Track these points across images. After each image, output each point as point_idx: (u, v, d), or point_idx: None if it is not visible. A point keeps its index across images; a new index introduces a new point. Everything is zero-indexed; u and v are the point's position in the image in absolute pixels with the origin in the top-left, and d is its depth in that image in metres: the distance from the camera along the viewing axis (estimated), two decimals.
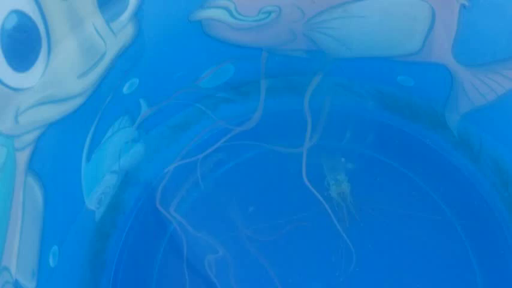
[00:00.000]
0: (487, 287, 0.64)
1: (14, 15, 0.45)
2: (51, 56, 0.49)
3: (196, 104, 0.71)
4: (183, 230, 0.68)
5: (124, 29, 0.55)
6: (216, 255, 0.66)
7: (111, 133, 0.62)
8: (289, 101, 0.74)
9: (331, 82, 0.73)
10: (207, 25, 0.62)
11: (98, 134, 0.59)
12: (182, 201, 0.70)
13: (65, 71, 0.51)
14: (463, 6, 0.57)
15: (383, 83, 0.71)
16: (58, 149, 0.53)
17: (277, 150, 0.72)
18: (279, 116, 0.74)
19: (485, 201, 0.68)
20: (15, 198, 0.48)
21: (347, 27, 0.64)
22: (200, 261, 0.66)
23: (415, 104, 0.71)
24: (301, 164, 0.70)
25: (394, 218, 0.68)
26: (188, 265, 0.67)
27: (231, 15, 0.61)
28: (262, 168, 0.71)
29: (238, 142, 0.72)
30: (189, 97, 0.70)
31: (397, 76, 0.69)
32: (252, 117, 0.72)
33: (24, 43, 0.47)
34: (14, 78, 0.46)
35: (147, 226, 0.69)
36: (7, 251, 0.47)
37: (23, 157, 0.49)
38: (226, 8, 0.60)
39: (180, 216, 0.69)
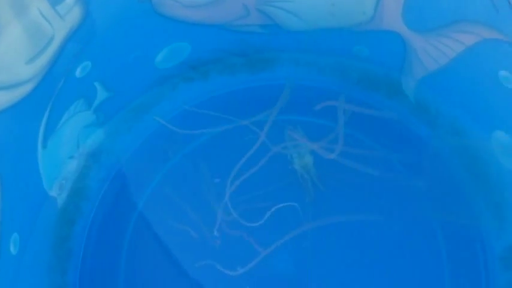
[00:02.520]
0: (450, 249, 0.65)
1: None
2: None
3: (154, 85, 0.71)
4: (149, 212, 0.68)
5: (71, 12, 0.54)
6: (186, 236, 0.67)
7: (66, 118, 0.61)
8: (249, 78, 0.74)
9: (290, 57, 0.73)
10: (157, 3, 0.61)
11: (53, 120, 0.59)
12: (151, 181, 0.70)
13: (12, 57, 0.50)
14: None
15: (339, 54, 0.71)
16: (11, 137, 0.53)
17: (240, 125, 0.72)
18: (239, 93, 0.74)
19: (445, 165, 0.69)
20: None
21: None
22: (168, 243, 0.67)
23: (372, 73, 0.71)
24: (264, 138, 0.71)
25: (357, 187, 0.68)
26: (156, 247, 0.67)
27: None
28: (228, 143, 0.71)
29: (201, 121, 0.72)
30: (147, 78, 0.70)
31: (352, 46, 0.69)
32: None
33: None
34: None
35: (113, 211, 0.69)
36: None
37: None
38: None
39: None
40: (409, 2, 0.59)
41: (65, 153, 0.64)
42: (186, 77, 0.73)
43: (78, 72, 0.60)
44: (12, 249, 0.55)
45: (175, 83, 0.72)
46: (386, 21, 0.63)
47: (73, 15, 0.55)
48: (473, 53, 0.60)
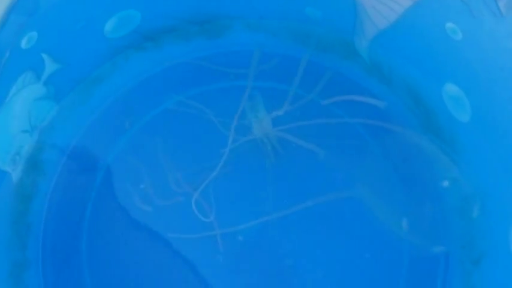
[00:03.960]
0: (409, 204, 0.66)
1: None
2: None
3: (106, 55, 0.70)
4: (108, 185, 0.68)
5: None
6: (147, 209, 0.66)
7: (15, 91, 0.60)
8: (204, 46, 0.74)
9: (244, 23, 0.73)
10: None
11: (0, 93, 0.58)
12: (108, 154, 0.69)
13: None
14: None
15: (293, 18, 0.71)
16: None
17: (197, 94, 0.71)
18: (194, 62, 0.74)
19: (401, 122, 0.70)
20: None
21: None
22: (128, 215, 0.66)
23: (327, 35, 0.71)
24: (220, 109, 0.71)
25: (317, 149, 0.69)
26: (117, 220, 0.66)
27: None
28: (185, 112, 0.71)
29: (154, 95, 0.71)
30: (97, 49, 0.69)
31: (304, 8, 0.69)
32: None
33: None
34: None
35: (71, 185, 0.68)
36: None
37: None
38: None
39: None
40: None
41: (17, 127, 0.63)
42: (139, 47, 0.72)
43: (23, 43, 0.58)
44: None
45: (128, 53, 0.71)
46: None
47: None
48: (420, 6, 0.60)
